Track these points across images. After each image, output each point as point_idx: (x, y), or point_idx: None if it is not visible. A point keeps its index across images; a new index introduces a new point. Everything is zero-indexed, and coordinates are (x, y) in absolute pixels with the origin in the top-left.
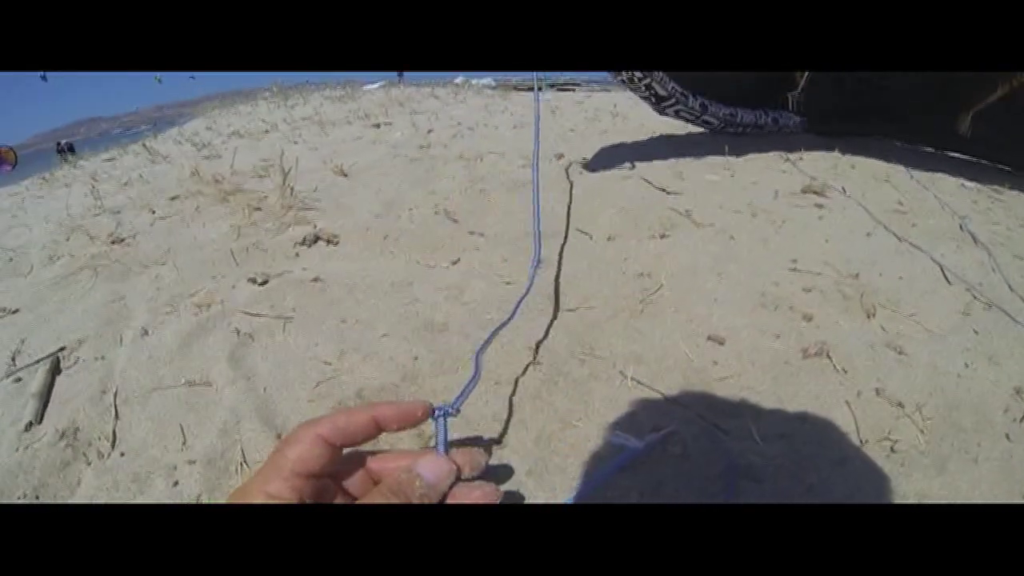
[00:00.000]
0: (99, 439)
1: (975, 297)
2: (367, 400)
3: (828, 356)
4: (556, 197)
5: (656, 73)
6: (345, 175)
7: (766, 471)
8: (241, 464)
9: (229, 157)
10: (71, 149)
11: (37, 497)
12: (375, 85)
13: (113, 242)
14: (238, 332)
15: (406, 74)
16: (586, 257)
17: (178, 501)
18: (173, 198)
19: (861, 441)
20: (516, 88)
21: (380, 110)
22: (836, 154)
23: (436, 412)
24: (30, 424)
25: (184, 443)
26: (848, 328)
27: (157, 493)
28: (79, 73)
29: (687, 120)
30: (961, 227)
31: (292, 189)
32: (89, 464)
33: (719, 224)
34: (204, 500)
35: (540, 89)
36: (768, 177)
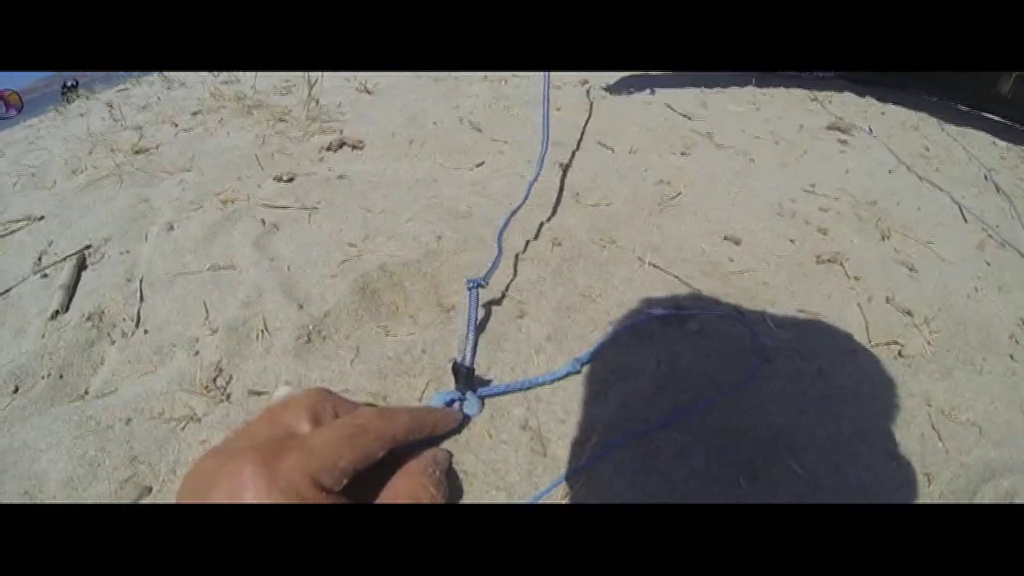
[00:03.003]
0: (124, 320)
1: (990, 236)
2: (389, 272)
3: (841, 264)
4: (579, 117)
5: None
6: (369, 92)
7: (778, 352)
8: (262, 331)
9: (248, 80)
10: (76, 88)
11: (61, 376)
12: None
13: (136, 152)
14: (263, 222)
15: None
16: (608, 165)
17: (195, 370)
18: (195, 113)
19: (870, 341)
20: None
21: None
22: (868, 100)
23: (469, 284)
24: (56, 313)
25: (206, 317)
26: (862, 244)
27: (178, 363)
28: None
29: None
30: (986, 177)
31: (317, 102)
32: (113, 343)
33: (740, 147)
34: (224, 366)
35: None
36: (793, 113)
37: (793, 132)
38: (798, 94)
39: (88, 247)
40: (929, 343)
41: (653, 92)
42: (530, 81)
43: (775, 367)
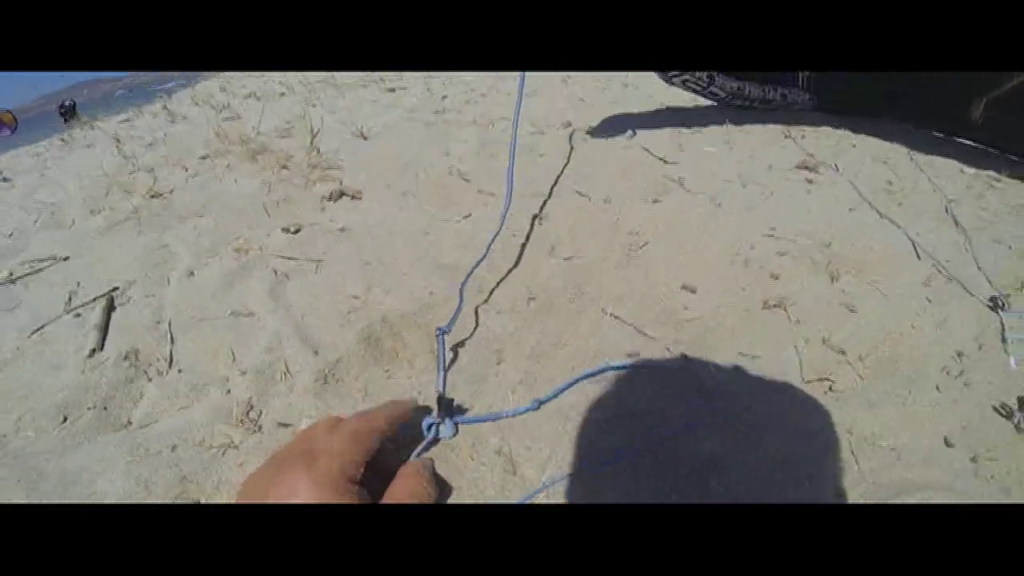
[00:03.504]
0: (158, 360)
1: (939, 271)
2: (389, 323)
3: (785, 308)
4: (560, 162)
5: None
6: (365, 137)
7: (716, 392)
8: (285, 373)
9: (249, 118)
10: (73, 109)
11: (105, 408)
12: None
13: (152, 196)
14: (275, 272)
15: None
16: (583, 215)
17: (231, 405)
18: (203, 157)
19: (803, 379)
20: None
21: (394, 73)
22: (841, 132)
23: (437, 332)
24: (93, 351)
25: (234, 359)
26: (810, 288)
27: (212, 399)
28: None
29: (694, 91)
30: (946, 209)
31: (317, 150)
32: (150, 380)
33: (709, 191)
34: (254, 402)
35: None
36: (766, 151)
37: (763, 172)
38: (772, 131)
39: (115, 289)
40: (861, 378)
41: (634, 134)
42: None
43: (713, 405)
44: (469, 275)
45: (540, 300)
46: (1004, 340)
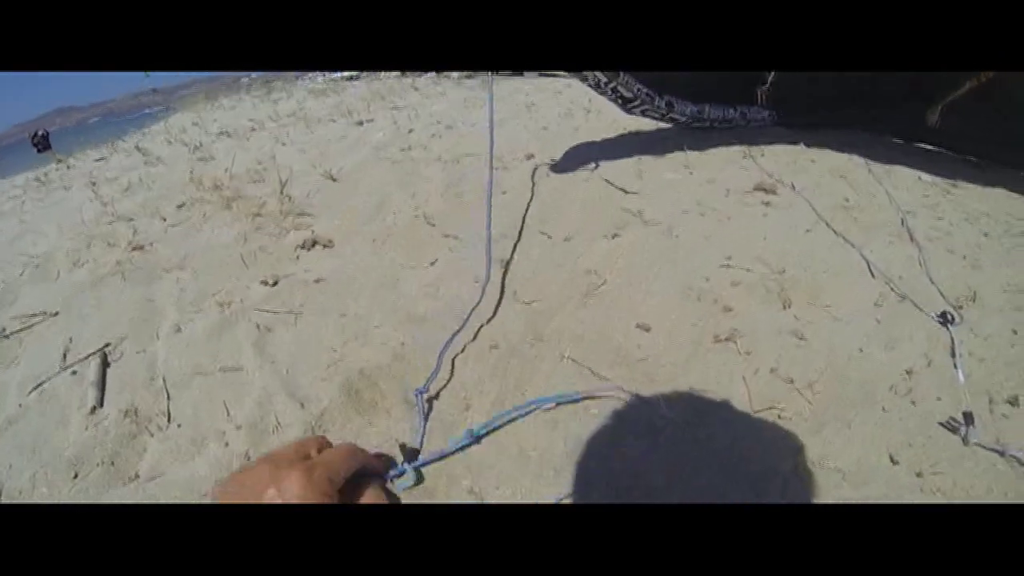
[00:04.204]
0: (157, 415)
1: (892, 289)
2: (367, 375)
3: (735, 341)
4: (523, 200)
5: (621, 76)
6: (334, 180)
7: (664, 427)
8: (276, 426)
9: (222, 158)
10: (46, 139)
11: (112, 463)
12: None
13: (133, 249)
14: (258, 326)
15: None
16: (545, 257)
17: (230, 458)
18: (180, 206)
19: (753, 409)
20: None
21: (363, 105)
22: (800, 147)
23: (416, 392)
24: (94, 408)
25: (228, 414)
26: (762, 317)
27: (212, 452)
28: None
29: (654, 119)
30: (902, 222)
31: (289, 197)
32: (152, 435)
33: (667, 223)
34: (251, 454)
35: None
36: (725, 174)
37: (721, 198)
38: (732, 152)
39: (107, 345)
40: (810, 403)
41: (597, 166)
42: (481, 161)
43: (662, 438)
44: (448, 344)
45: (502, 348)
46: (953, 355)
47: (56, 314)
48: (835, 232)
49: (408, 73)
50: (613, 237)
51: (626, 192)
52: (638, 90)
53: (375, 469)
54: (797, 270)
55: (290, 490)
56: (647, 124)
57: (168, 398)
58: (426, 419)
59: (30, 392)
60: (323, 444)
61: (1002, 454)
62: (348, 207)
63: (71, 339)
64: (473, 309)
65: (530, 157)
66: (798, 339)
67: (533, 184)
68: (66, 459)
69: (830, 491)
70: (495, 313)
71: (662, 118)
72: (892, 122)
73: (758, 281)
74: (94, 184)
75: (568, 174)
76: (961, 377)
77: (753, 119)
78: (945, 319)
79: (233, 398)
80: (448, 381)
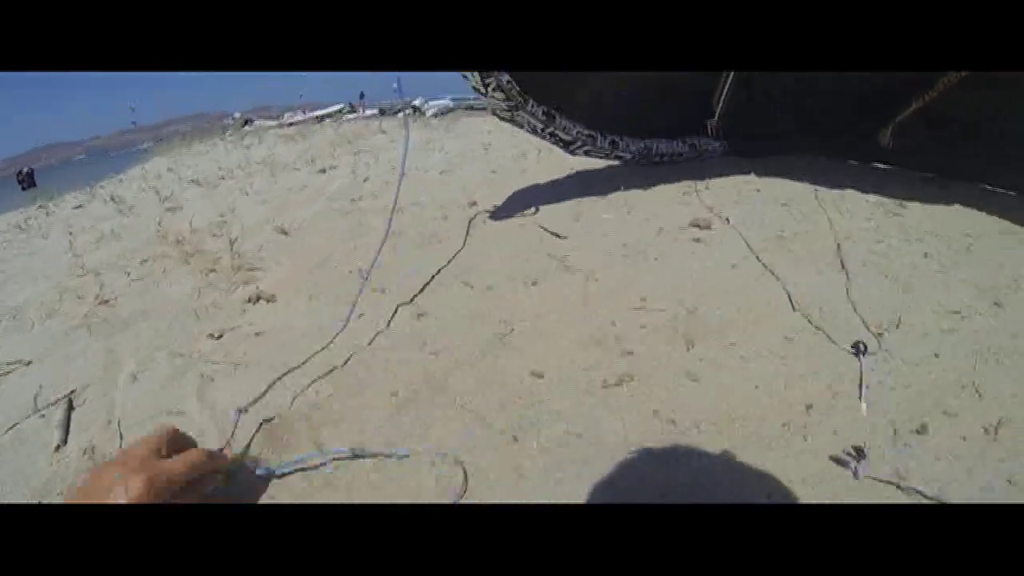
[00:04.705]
0: (110, 452)
1: (809, 322)
2: (285, 418)
3: (624, 385)
4: (453, 250)
5: (558, 120)
6: (286, 233)
7: (533, 472)
8: None
9: (189, 208)
10: (31, 177)
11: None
12: (334, 107)
13: (100, 303)
14: (202, 375)
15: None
16: (462, 306)
17: None
18: (143, 261)
19: (628, 450)
20: (472, 108)
21: (328, 150)
22: (749, 177)
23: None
24: (59, 446)
25: None
26: (661, 360)
27: None
28: (40, 98)
29: (600, 158)
30: (838, 247)
31: (238, 254)
32: None
33: (588, 268)
34: None
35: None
36: (663, 211)
37: (652, 237)
38: (676, 188)
39: (73, 391)
40: (691, 445)
41: (536, 210)
42: (425, 211)
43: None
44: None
45: (401, 396)
46: (860, 385)
47: (29, 363)
48: (764, 266)
49: (383, 115)
50: (533, 284)
51: (558, 237)
52: (577, 132)
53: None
54: (710, 308)
55: (134, 490)
56: (596, 163)
57: (121, 438)
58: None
59: (5, 432)
60: (174, 440)
61: (898, 487)
62: (294, 262)
63: (41, 386)
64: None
65: (472, 204)
66: (692, 380)
67: (467, 234)
68: (32, 488)
69: None
70: (400, 361)
71: (607, 156)
72: (848, 145)
73: (667, 322)
74: (71, 233)
75: (504, 221)
76: (864, 409)
77: (704, 150)
78: (858, 350)
79: None
80: (342, 422)
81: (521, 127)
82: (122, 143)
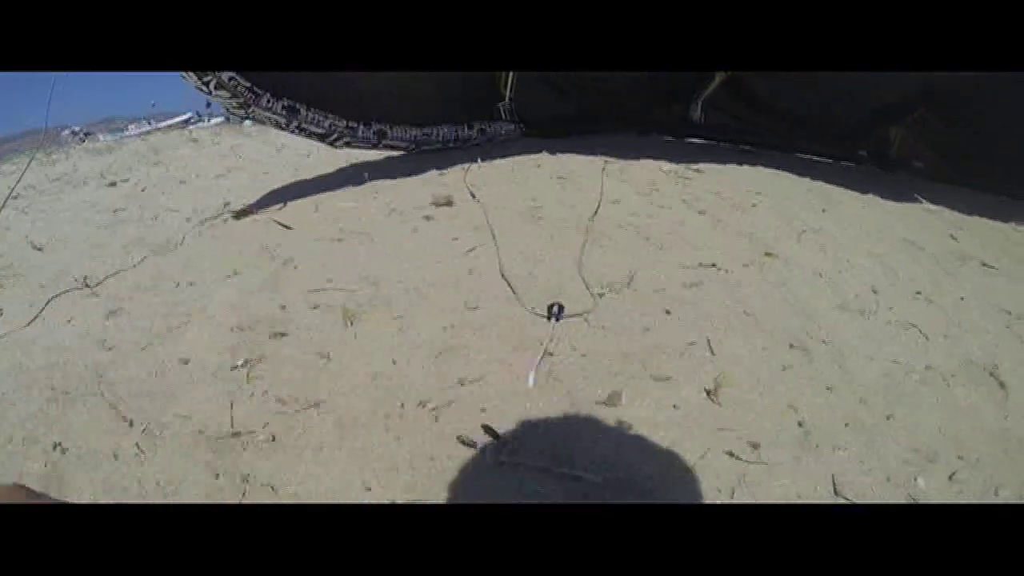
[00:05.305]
0: None
1: (509, 286)
2: None
3: (253, 367)
4: (182, 251)
5: (304, 114)
6: (39, 249)
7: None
8: None
9: None
10: None
11: None
12: (183, 116)
13: None
14: None
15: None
16: (159, 300)
17: None
18: None
19: (235, 431)
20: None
21: (135, 161)
22: (539, 156)
23: None
24: None
25: None
26: (314, 338)
27: None
28: None
29: (368, 148)
30: (596, 212)
31: None
32: None
33: (294, 255)
34: None
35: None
36: (411, 193)
37: (379, 219)
38: (436, 173)
39: None
40: (303, 429)
41: (284, 205)
42: (176, 216)
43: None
44: None
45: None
46: (540, 356)
47: None
48: (494, 237)
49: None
50: (231, 276)
51: (287, 228)
52: (331, 124)
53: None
54: (392, 284)
55: None
56: (375, 156)
57: None
58: None
59: None
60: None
61: (504, 463)
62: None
63: None
64: None
65: (226, 205)
66: (324, 359)
67: (182, 237)
68: None
69: None
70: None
71: (375, 147)
72: (657, 123)
73: (341, 300)
74: None
75: (252, 217)
76: (531, 380)
77: (496, 134)
78: (551, 313)
79: None
80: None
81: (266, 123)
82: None
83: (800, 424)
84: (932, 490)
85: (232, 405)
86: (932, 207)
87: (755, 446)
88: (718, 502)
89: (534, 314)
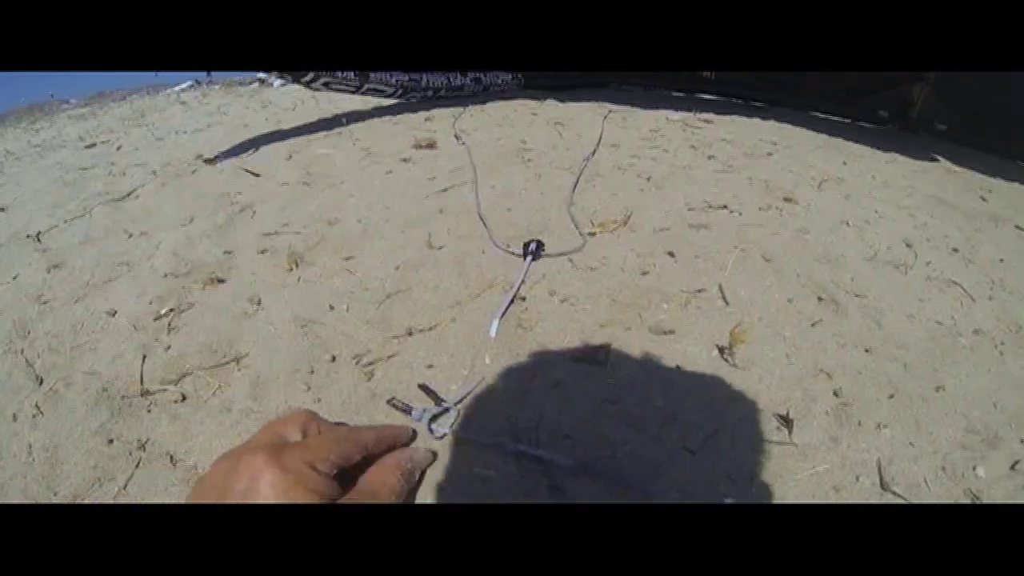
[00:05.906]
0: None
1: (484, 224)
2: None
3: (180, 314)
4: (139, 199)
5: None
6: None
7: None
8: None
9: None
10: None
11: None
12: (183, 85)
13: None
14: None
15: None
16: (112, 248)
17: None
18: None
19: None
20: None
21: (118, 125)
22: (538, 104)
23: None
24: None
25: None
26: (253, 281)
27: None
28: None
29: (349, 93)
30: (593, 153)
31: None
32: None
33: (255, 200)
34: None
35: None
36: (392, 139)
37: (353, 164)
38: (420, 118)
39: None
40: (238, 376)
41: (256, 150)
42: (143, 169)
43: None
44: None
45: None
46: (507, 302)
47: None
48: (475, 173)
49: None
50: (185, 224)
51: (254, 175)
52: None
53: (390, 446)
54: (350, 225)
55: (258, 476)
56: (361, 105)
57: None
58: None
59: None
60: (310, 423)
61: (458, 441)
62: None
63: None
64: None
65: (198, 157)
66: (255, 305)
67: (137, 188)
68: None
69: None
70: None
71: (357, 91)
72: (669, 77)
73: (289, 242)
74: None
75: (222, 163)
76: (493, 331)
77: (492, 84)
78: (527, 251)
79: None
80: None
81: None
82: None
83: (836, 394)
84: (994, 482)
85: (144, 359)
86: (957, 168)
87: (785, 421)
88: (728, 502)
89: (507, 252)
